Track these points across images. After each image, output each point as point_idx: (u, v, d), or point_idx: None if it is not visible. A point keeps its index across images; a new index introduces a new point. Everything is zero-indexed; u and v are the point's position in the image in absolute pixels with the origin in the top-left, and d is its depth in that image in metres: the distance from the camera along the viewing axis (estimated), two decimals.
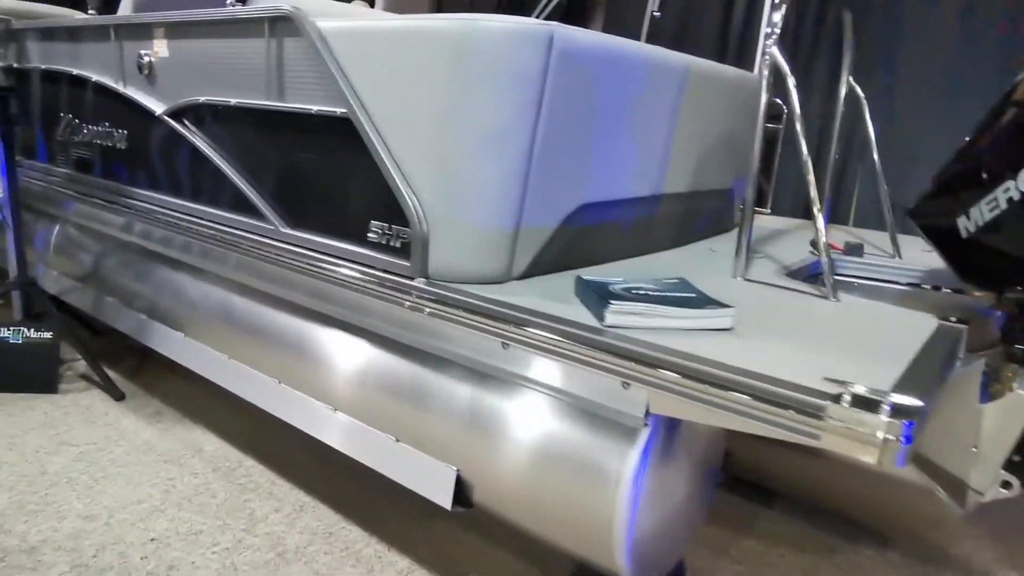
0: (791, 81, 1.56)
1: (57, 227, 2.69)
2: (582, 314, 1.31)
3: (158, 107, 2.01)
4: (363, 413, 1.58)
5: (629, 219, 1.76)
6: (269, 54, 1.65)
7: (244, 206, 1.82)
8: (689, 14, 3.22)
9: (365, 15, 2.51)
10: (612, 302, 1.21)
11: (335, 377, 1.63)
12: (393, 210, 1.47)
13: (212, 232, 1.91)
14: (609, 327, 1.23)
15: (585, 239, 1.64)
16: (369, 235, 1.54)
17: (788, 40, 3.02)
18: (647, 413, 1.20)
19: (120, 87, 2.15)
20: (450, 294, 1.39)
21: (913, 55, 2.77)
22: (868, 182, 2.78)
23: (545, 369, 1.32)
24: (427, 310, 1.41)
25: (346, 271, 1.57)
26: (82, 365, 2.53)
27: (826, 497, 1.92)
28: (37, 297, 2.48)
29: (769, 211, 2.99)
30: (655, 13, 3.12)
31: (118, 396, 2.41)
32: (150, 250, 2.24)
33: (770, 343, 1.23)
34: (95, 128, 2.33)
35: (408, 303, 1.44)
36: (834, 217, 2.84)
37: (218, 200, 1.91)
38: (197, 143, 1.90)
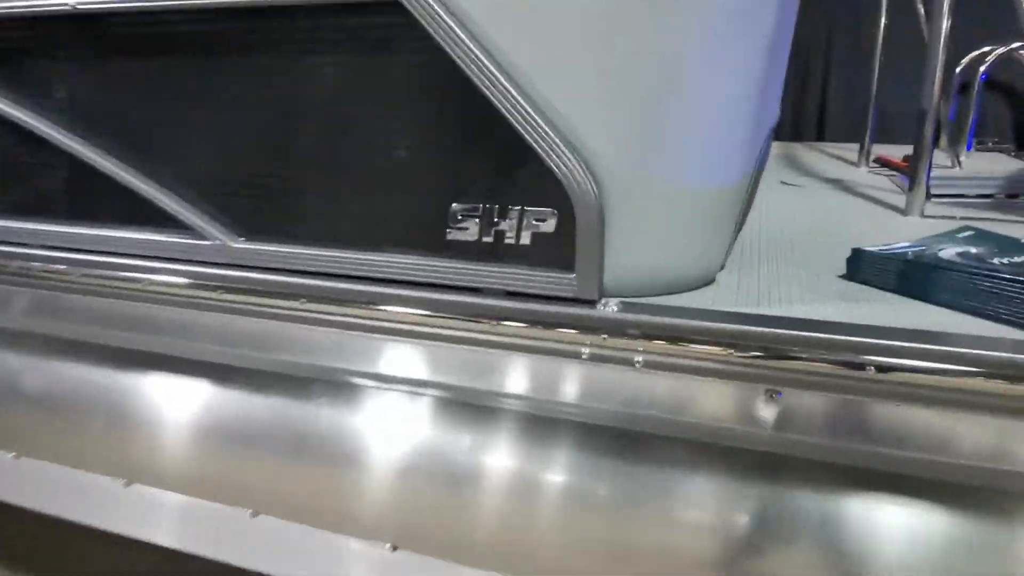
0: None
1: None
2: (928, 318, 0.75)
3: None
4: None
5: (765, 155, 1.21)
6: None
7: (135, 213, 0.97)
8: None
9: None
10: None
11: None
12: (514, 179, 0.77)
13: (46, 270, 1.04)
14: None
15: (750, 189, 1.06)
16: (449, 232, 0.82)
17: None
18: None
19: None
20: (679, 320, 0.74)
21: None
22: (839, 92, 2.48)
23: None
24: (639, 358, 0.75)
25: (403, 307, 0.84)
26: None
27: None
28: None
29: None
30: None
31: None
32: None
33: None
34: None
35: (587, 350, 0.77)
36: (807, 134, 2.52)
37: (65, 210, 1.03)
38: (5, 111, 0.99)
